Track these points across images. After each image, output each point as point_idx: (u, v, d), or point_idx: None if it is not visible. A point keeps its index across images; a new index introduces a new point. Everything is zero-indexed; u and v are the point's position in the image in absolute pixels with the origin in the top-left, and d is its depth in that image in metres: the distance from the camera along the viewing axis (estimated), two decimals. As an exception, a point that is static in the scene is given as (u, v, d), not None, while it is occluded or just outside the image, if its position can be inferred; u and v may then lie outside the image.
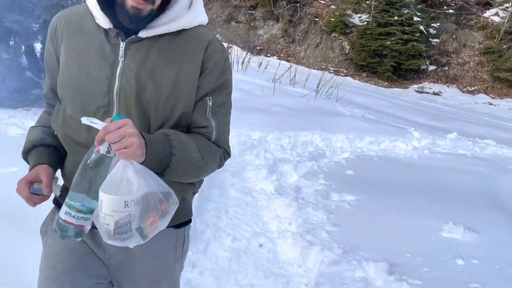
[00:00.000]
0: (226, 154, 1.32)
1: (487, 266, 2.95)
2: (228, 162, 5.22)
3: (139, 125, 1.16)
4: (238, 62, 10.93)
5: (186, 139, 1.16)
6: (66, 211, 1.04)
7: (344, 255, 2.93)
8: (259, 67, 11.84)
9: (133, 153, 1.01)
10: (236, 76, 10.23)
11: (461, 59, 16.14)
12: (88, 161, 1.03)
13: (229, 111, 1.31)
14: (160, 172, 1.12)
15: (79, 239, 1.08)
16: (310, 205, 3.80)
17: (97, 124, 1.03)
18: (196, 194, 4.00)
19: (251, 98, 8.25)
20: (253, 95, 8.54)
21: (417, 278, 2.68)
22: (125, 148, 1.00)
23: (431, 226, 3.50)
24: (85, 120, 1.03)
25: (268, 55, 15.79)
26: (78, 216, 1.04)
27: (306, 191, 4.21)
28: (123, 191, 1.00)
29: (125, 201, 1.00)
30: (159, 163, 1.10)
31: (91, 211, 1.05)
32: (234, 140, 5.58)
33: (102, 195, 1.00)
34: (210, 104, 1.23)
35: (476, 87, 15.52)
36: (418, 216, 3.69)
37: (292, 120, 7.02)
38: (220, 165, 1.30)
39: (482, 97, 15.01)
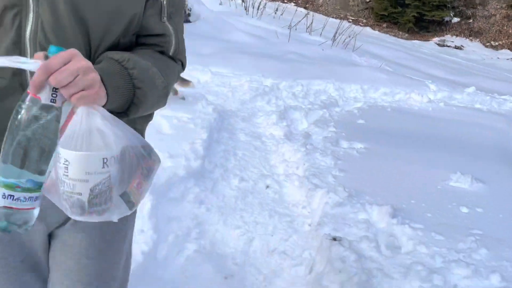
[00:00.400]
0: (182, 68, 1.07)
1: (491, 215, 2.97)
2: (239, 107, 5.21)
3: (73, 36, 0.84)
4: (253, 7, 10.61)
5: (145, 64, 0.89)
6: (3, 194, 0.73)
7: (349, 198, 2.97)
8: (275, 13, 11.49)
9: (96, 95, 0.75)
10: (251, 21, 9.97)
11: (487, 12, 15.40)
12: (19, 118, 0.71)
13: (183, 14, 1.05)
14: (123, 112, 0.88)
15: (28, 229, 0.77)
16: (318, 151, 3.81)
17: (27, 63, 0.72)
18: (206, 136, 4.01)
19: (265, 44, 8.08)
20: (268, 42, 8.36)
21: (419, 223, 2.71)
22: (82, 90, 0.73)
23: (438, 175, 3.50)
24: (3, 60, 0.71)
25: (285, 1, 15.26)
26: (25, 197, 0.74)
27: (316, 137, 4.21)
28: (96, 145, 0.76)
29: (103, 159, 0.76)
30: (121, 102, 0.85)
31: (40, 186, 0.75)
32: (245, 86, 5.54)
33: (67, 153, 0.75)
34: (165, 3, 0.95)
35: (500, 42, 14.91)
36: (426, 165, 3.69)
37: (306, 68, 6.89)
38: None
39: (506, 53, 14.45)
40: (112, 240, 1.10)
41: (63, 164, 0.76)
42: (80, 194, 0.77)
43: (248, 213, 2.97)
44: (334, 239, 2.42)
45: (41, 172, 0.74)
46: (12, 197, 0.73)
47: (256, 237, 2.75)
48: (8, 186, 0.73)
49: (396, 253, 2.41)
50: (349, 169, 3.49)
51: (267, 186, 3.35)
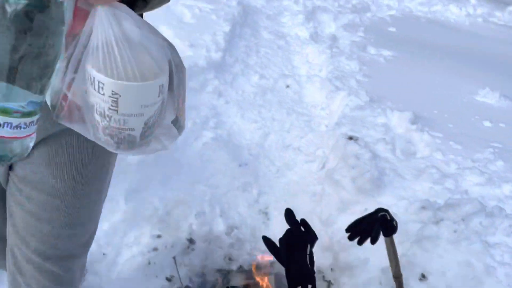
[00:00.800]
0: None
1: (513, 131, 2.90)
2: (264, 4, 4.93)
3: None
4: None
5: None
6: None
7: (370, 103, 2.91)
8: None
9: None
10: None
11: None
12: (8, 17, 0.53)
13: None
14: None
15: (24, 155, 0.64)
16: (344, 54, 3.67)
17: None
18: (228, 30, 3.85)
19: None
20: None
21: (439, 131, 2.67)
22: None
23: (466, 89, 3.38)
24: None
25: None
26: (26, 123, 0.59)
27: (343, 41, 4.03)
28: (149, 69, 0.60)
29: (159, 86, 0.62)
30: None
31: (40, 107, 0.61)
32: (273, -18, 5.20)
33: (115, 84, 0.59)
34: None
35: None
36: (455, 78, 3.54)
37: (340, -31, 6.38)
38: None
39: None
40: (93, 177, 0.96)
41: (110, 96, 0.59)
42: (133, 129, 0.63)
43: (266, 109, 2.96)
44: (351, 138, 2.41)
45: (43, 90, 0.59)
46: (10, 125, 0.58)
47: (272, 132, 2.76)
48: (4, 111, 0.57)
49: (411, 157, 2.41)
50: (373, 75, 3.38)
51: (287, 86, 3.29)
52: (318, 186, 2.34)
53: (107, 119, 0.62)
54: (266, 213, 2.28)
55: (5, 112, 0.57)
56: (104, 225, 1.80)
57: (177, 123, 0.71)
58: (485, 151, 2.53)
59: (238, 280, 1.86)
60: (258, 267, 1.91)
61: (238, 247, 2.04)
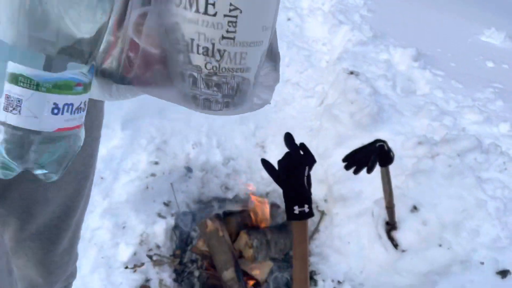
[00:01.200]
0: None
1: (516, 73, 2.86)
2: None
3: None
4: None
5: None
6: (55, 105, 0.37)
7: (373, 38, 2.83)
8: None
9: None
10: None
11: None
12: None
13: None
14: None
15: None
16: (348, -12, 3.51)
17: None
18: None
19: None
20: None
21: (441, 70, 2.63)
22: None
23: (471, 29, 3.29)
24: None
25: None
26: (85, 102, 0.41)
27: (347, -26, 3.84)
28: None
29: (262, 26, 0.44)
30: None
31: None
32: None
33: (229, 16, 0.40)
34: None
35: None
36: (461, 18, 3.43)
37: None
38: None
39: None
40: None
41: (227, 15, 0.40)
42: (249, 69, 0.44)
43: (266, 42, 2.87)
44: (351, 73, 2.37)
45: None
46: (71, 107, 0.37)
47: (271, 66, 2.71)
48: (61, 86, 0.36)
49: (411, 94, 2.38)
50: (378, 10, 3.26)
51: (289, 19, 3.18)
52: (316, 122, 2.33)
53: (217, 56, 0.42)
54: (262, 147, 2.28)
55: (64, 87, 0.36)
56: (101, 151, 1.80)
57: (276, 60, 0.50)
58: (485, 90, 2.51)
59: (234, 207, 1.90)
60: (254, 196, 1.94)
61: (234, 177, 2.07)
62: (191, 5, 0.40)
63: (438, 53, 2.86)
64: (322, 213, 1.96)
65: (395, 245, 1.70)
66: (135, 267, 1.58)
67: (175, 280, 1.63)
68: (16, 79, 0.35)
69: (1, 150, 0.37)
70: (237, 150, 2.20)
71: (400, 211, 1.72)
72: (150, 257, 1.62)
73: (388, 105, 2.21)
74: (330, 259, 1.78)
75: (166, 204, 1.79)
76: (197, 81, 0.43)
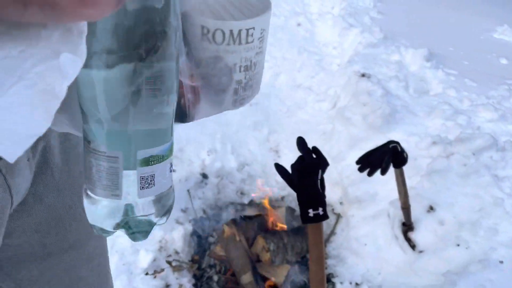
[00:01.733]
0: None
1: (531, 69, 2.83)
2: None
3: None
4: None
5: None
6: (147, 174, 0.41)
7: (384, 40, 2.83)
8: None
9: None
10: None
11: None
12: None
13: None
14: None
15: None
16: (357, -10, 3.53)
17: None
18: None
19: None
20: None
21: (454, 69, 2.62)
22: None
23: (483, 26, 3.26)
24: None
25: None
26: (171, 164, 0.45)
27: (356, -23, 3.85)
28: None
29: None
30: None
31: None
32: None
33: (261, 21, 0.47)
34: None
35: None
36: (472, 15, 3.41)
37: None
38: None
39: None
40: None
41: (259, 38, 0.48)
42: (262, 66, 0.53)
43: (277, 48, 2.90)
44: (363, 75, 2.38)
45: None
46: (152, 179, 0.42)
47: (283, 72, 2.73)
48: (145, 162, 0.40)
49: (424, 94, 2.38)
50: (388, 12, 3.26)
51: (299, 24, 3.20)
52: (328, 125, 2.35)
53: (253, 68, 0.50)
54: (276, 151, 2.31)
55: (172, 147, 0.42)
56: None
57: None
58: (499, 88, 2.48)
59: (250, 212, 1.92)
60: (270, 200, 1.96)
61: (249, 183, 2.10)
62: (234, 41, 0.47)
63: (450, 52, 2.84)
64: (338, 216, 1.97)
65: (412, 246, 1.70)
66: (155, 273, 1.62)
67: (195, 285, 1.66)
68: (147, 161, 0.40)
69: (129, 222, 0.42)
70: (251, 156, 2.23)
71: (416, 212, 1.72)
72: (169, 262, 1.65)
73: (401, 106, 2.21)
74: (347, 261, 1.79)
75: (184, 211, 1.82)
76: (238, 90, 0.51)
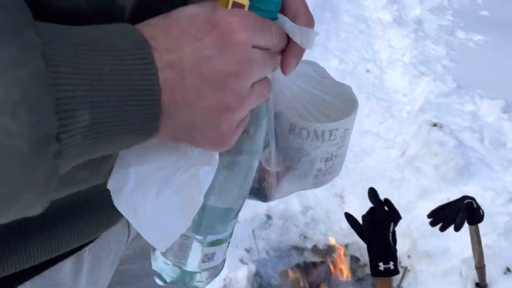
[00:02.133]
0: None
1: None
2: (345, -15, 4.78)
3: None
4: None
5: None
6: (206, 255, 0.50)
7: (457, 89, 2.77)
8: None
9: None
10: None
11: None
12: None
13: None
14: None
15: None
16: (430, 38, 3.50)
17: None
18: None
19: None
20: None
21: (535, 121, 2.48)
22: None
23: None
24: None
25: None
26: (226, 247, 0.54)
27: (429, 25, 3.83)
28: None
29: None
30: None
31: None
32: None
33: (345, 123, 0.54)
34: None
35: None
36: (556, 65, 3.23)
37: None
38: None
39: None
40: None
41: (342, 136, 0.55)
42: (345, 153, 0.60)
43: (345, 93, 2.94)
44: (435, 124, 2.33)
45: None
46: (212, 256, 0.50)
47: (350, 117, 2.75)
48: (211, 244, 0.49)
49: (501, 147, 2.27)
50: (462, 60, 3.20)
51: (368, 70, 3.23)
52: (397, 173, 2.30)
53: (333, 159, 0.56)
54: (341, 197, 2.29)
55: (212, 244, 0.50)
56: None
57: None
58: None
59: (313, 257, 1.91)
60: (334, 247, 1.94)
61: (313, 227, 2.09)
62: (317, 138, 0.54)
63: (531, 104, 2.70)
64: (405, 269, 1.89)
65: (487, 310, 1.58)
66: (217, 310, 1.64)
67: (255, 327, 1.66)
68: (213, 243, 0.49)
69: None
70: (315, 200, 2.23)
71: (492, 272, 1.61)
72: (231, 302, 1.68)
73: (476, 158, 2.13)
74: (414, 319, 1.70)
75: (248, 251, 1.85)
76: (318, 176, 0.58)
